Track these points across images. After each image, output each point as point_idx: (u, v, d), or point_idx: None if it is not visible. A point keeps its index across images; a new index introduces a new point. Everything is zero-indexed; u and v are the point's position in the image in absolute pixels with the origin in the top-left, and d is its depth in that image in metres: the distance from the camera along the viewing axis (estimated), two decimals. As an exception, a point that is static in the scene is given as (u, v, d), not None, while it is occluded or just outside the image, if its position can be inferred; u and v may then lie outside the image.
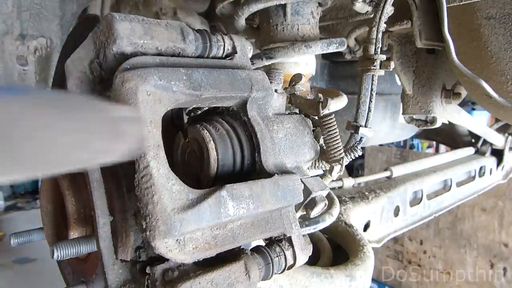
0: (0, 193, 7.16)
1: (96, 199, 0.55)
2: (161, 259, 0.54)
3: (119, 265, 0.57)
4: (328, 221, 1.05)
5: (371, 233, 1.51)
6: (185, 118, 0.76)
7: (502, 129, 2.43)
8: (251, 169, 0.64)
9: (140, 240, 0.59)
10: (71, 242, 0.60)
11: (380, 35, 0.95)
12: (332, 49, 1.04)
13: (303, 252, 0.64)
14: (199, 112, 0.73)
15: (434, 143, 6.68)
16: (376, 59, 0.92)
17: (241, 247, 0.59)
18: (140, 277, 0.56)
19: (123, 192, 0.58)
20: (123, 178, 0.59)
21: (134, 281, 0.57)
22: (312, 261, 1.07)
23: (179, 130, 0.72)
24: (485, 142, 2.38)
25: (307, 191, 0.67)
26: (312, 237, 1.17)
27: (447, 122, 1.69)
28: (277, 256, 0.61)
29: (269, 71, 0.74)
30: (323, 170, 0.84)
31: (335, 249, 1.24)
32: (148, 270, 0.54)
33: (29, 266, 4.72)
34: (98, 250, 0.56)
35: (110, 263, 0.56)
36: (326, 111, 0.78)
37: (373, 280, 4.48)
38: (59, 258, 0.58)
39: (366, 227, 1.49)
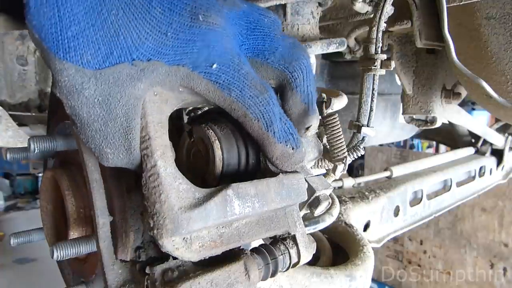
0: (0, 193, 7.17)
1: (96, 199, 0.55)
2: (161, 259, 0.54)
3: (118, 265, 0.56)
4: (328, 221, 1.05)
5: (371, 233, 1.51)
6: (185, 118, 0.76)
7: (502, 129, 2.43)
8: (256, 168, 0.64)
9: (140, 240, 0.59)
10: (71, 242, 0.60)
11: (380, 35, 0.95)
12: (332, 49, 1.04)
13: (307, 250, 0.64)
14: (199, 112, 0.73)
15: (434, 143, 6.68)
16: (376, 59, 0.92)
17: (241, 247, 0.59)
18: (139, 277, 0.56)
19: (123, 192, 0.58)
20: (123, 178, 0.59)
21: (134, 281, 0.57)
22: (312, 261, 1.07)
23: (178, 129, 0.72)
24: (485, 142, 2.38)
25: (311, 190, 0.68)
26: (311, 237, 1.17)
27: (447, 122, 1.69)
28: (282, 254, 0.62)
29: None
30: (326, 169, 0.84)
31: (335, 249, 1.24)
32: (147, 270, 0.54)
33: (29, 266, 4.73)
34: (98, 250, 0.55)
35: (110, 263, 0.56)
36: (329, 111, 0.78)
37: (373, 280, 4.49)
38: (59, 258, 0.58)
39: (366, 227, 1.49)
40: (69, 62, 0.43)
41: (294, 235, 0.63)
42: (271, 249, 0.61)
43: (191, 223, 0.50)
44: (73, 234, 0.64)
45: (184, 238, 0.51)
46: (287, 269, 0.63)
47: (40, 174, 7.17)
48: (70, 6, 0.42)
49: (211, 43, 0.49)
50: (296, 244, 0.63)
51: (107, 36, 0.44)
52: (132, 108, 0.48)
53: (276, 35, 0.54)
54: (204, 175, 0.63)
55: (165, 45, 0.46)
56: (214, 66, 0.49)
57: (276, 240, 0.63)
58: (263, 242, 0.66)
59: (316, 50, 1.02)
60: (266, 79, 0.56)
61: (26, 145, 0.60)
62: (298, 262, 0.63)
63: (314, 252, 0.67)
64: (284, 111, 0.58)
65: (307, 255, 0.64)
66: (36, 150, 0.60)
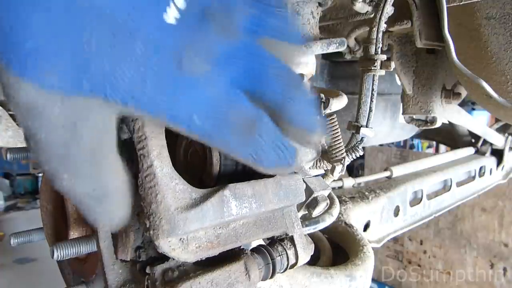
0: (0, 193, 7.17)
1: (96, 199, 0.55)
2: (161, 259, 0.54)
3: (119, 265, 0.56)
4: (328, 221, 1.05)
5: (371, 233, 1.51)
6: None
7: (502, 129, 2.43)
8: (253, 169, 0.64)
9: (140, 240, 0.59)
10: (71, 242, 0.60)
11: (380, 35, 0.95)
12: (332, 49, 1.04)
13: (305, 251, 0.64)
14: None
15: (434, 143, 6.68)
16: (376, 59, 0.92)
17: (241, 247, 0.59)
18: (140, 277, 0.56)
19: (123, 192, 0.58)
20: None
21: (134, 281, 0.57)
22: (312, 261, 1.07)
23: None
24: (485, 142, 2.38)
25: (309, 191, 0.68)
26: (312, 237, 1.17)
27: (447, 122, 1.69)
28: (279, 255, 0.61)
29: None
30: (325, 170, 0.84)
31: (335, 249, 1.24)
32: (148, 270, 0.54)
33: (29, 266, 4.73)
34: (98, 250, 0.56)
35: (110, 263, 0.56)
36: (328, 111, 0.78)
37: (373, 280, 4.49)
38: (59, 258, 0.58)
39: (366, 227, 1.49)
40: (27, 82, 0.34)
41: (292, 236, 0.63)
42: (269, 250, 0.61)
43: (188, 224, 0.50)
44: (73, 234, 0.64)
45: (180, 239, 0.51)
46: (285, 270, 0.63)
47: (40, 174, 7.17)
48: (33, 6, 0.33)
49: (193, 92, 0.42)
50: (294, 245, 0.63)
51: (76, 59, 0.35)
52: (104, 131, 0.41)
53: (269, 71, 0.48)
54: (201, 176, 0.63)
55: (142, 91, 0.39)
56: (194, 117, 0.43)
57: (273, 241, 0.63)
58: (263, 243, 0.66)
59: (316, 50, 1.02)
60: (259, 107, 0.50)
61: (26, 145, 0.60)
62: (296, 263, 0.63)
63: (312, 253, 0.67)
64: (283, 132, 0.52)
65: (305, 256, 0.64)
66: (36, 150, 0.60)
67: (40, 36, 0.33)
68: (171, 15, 0.38)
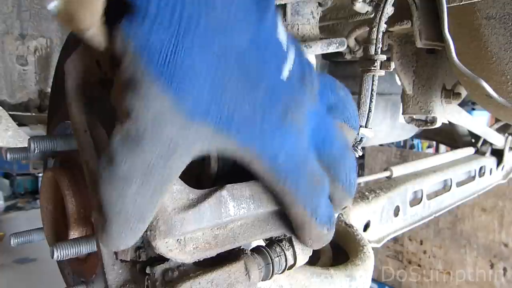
0: (0, 193, 7.16)
1: (96, 199, 0.55)
2: (161, 259, 0.54)
3: (119, 265, 0.56)
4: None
5: (371, 233, 1.51)
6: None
7: (502, 129, 2.43)
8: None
9: (140, 240, 0.59)
10: (71, 242, 0.60)
11: (380, 35, 0.95)
12: (332, 49, 1.04)
13: (304, 252, 0.64)
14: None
15: (434, 143, 6.68)
16: (376, 60, 0.92)
17: (241, 247, 0.59)
18: (140, 277, 0.56)
19: (123, 192, 0.58)
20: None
21: (134, 281, 0.57)
22: (312, 261, 1.07)
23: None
24: (485, 142, 2.38)
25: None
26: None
27: (447, 122, 1.69)
28: (278, 256, 0.61)
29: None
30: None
31: (335, 249, 1.24)
32: (148, 270, 0.54)
33: (29, 266, 4.73)
34: (98, 250, 0.56)
35: (110, 263, 0.56)
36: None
37: (373, 280, 4.48)
38: (59, 258, 0.58)
39: (366, 227, 1.49)
40: (165, 94, 0.38)
41: (290, 237, 0.63)
42: (268, 250, 0.61)
43: (185, 225, 0.50)
44: (73, 234, 0.64)
45: (178, 240, 0.51)
46: (283, 271, 0.63)
47: (40, 174, 7.16)
48: (199, 48, 0.39)
49: (286, 140, 0.49)
50: (292, 246, 0.63)
51: (214, 92, 0.41)
52: (183, 166, 0.46)
53: (333, 136, 0.57)
54: (199, 176, 0.62)
55: (249, 125, 0.45)
56: (280, 158, 0.50)
57: (272, 242, 0.63)
58: (263, 243, 0.66)
59: (316, 50, 1.02)
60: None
61: (26, 145, 0.61)
62: (294, 264, 0.63)
63: (311, 254, 0.66)
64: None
65: (303, 257, 0.64)
66: (36, 150, 0.60)
67: (196, 65, 0.39)
68: (284, 74, 0.46)
